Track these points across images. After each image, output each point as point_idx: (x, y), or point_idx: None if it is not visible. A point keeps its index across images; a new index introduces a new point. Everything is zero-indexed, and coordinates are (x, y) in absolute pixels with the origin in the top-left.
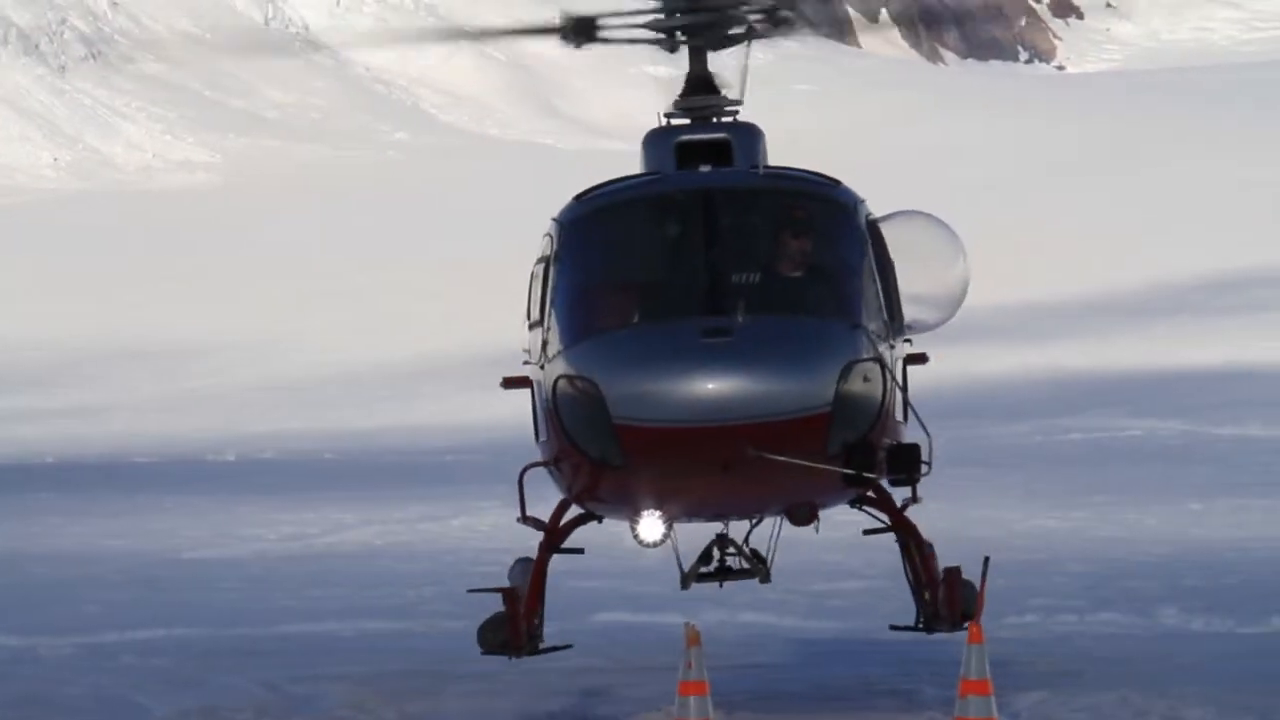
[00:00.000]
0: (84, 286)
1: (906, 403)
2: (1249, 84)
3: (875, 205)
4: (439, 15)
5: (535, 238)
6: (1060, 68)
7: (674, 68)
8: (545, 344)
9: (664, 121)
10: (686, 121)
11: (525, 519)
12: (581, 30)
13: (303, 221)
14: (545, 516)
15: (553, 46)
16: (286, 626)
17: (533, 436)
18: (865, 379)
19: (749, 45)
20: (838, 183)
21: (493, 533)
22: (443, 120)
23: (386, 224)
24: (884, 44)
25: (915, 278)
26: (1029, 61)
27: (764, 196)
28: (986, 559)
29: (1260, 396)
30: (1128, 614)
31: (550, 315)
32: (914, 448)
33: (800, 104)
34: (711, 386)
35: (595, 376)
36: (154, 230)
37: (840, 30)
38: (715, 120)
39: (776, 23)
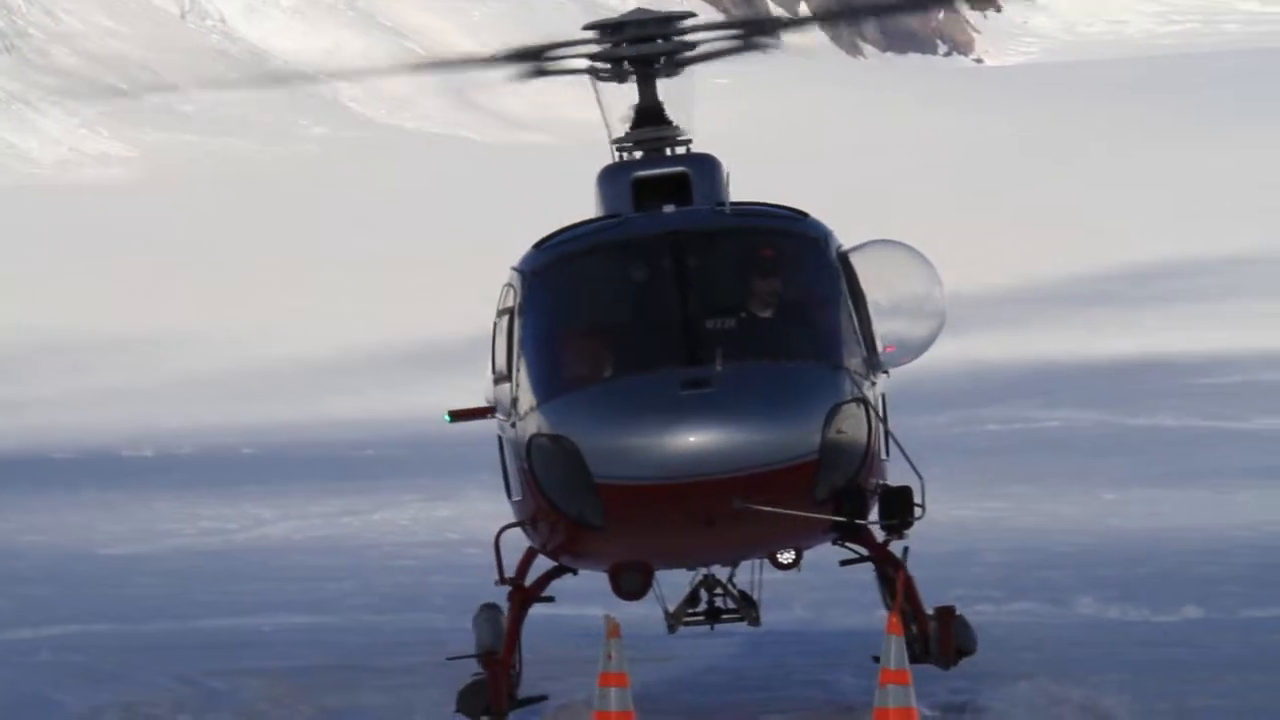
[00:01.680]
0: None
1: (888, 437)
2: (1165, 76)
3: (800, 200)
4: (357, 8)
5: (455, 232)
6: (979, 60)
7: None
8: (515, 400)
9: (616, 155)
10: (639, 155)
11: (504, 581)
12: (526, 62)
13: (220, 216)
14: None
15: (466, 37)
16: (205, 621)
17: (505, 495)
18: (851, 422)
19: (697, 71)
20: (805, 215)
21: (412, 526)
22: (361, 114)
23: (305, 218)
24: (803, 37)
25: (890, 310)
26: (948, 54)
27: (733, 236)
28: (905, 549)
29: (1174, 387)
30: (1044, 603)
31: (519, 370)
32: (906, 491)
33: (720, 98)
34: (695, 440)
35: (573, 434)
36: (70, 225)
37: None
38: (670, 152)
39: (725, 48)
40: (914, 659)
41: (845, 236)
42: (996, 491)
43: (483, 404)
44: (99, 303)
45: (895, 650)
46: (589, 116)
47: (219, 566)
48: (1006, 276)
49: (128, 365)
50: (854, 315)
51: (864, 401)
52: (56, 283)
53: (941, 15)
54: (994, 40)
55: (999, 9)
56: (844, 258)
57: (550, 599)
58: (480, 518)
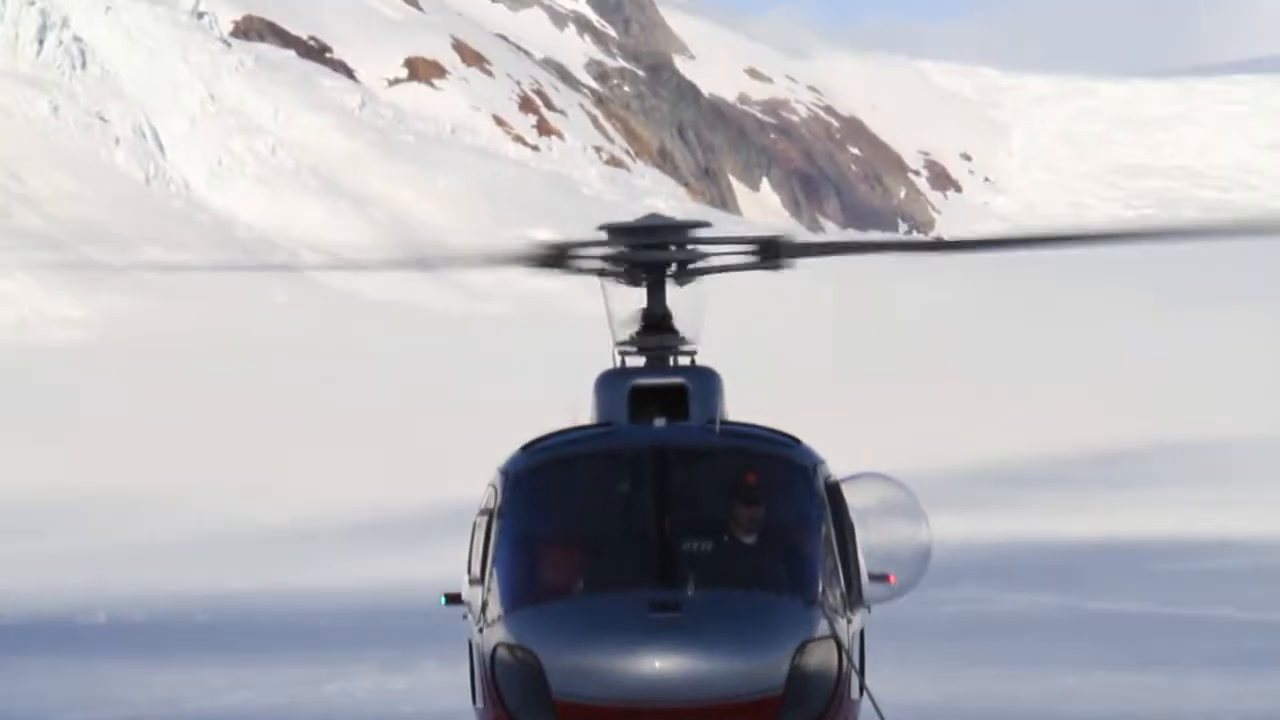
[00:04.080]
0: None
1: (862, 679)
2: (1124, 259)
3: (748, 374)
4: (320, 175)
5: (413, 401)
6: (939, 239)
7: (550, 229)
8: (485, 606)
9: (617, 359)
10: (641, 360)
11: None
12: (549, 260)
13: (180, 381)
14: None
15: (430, 206)
16: None
17: (470, 700)
18: (820, 660)
19: (709, 281)
20: (797, 442)
21: (367, 698)
22: (321, 281)
23: (263, 385)
24: (765, 212)
25: (876, 545)
26: (908, 232)
27: (720, 458)
28: (849, 710)
29: (1134, 570)
30: None
31: (491, 575)
32: None
33: None
34: (658, 665)
35: (535, 648)
36: (29, 386)
37: (722, 199)
38: (672, 361)
39: (739, 263)
40: None
41: (796, 414)
42: (954, 673)
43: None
44: (54, 466)
45: None
46: (546, 287)
47: None
48: (964, 456)
49: (82, 529)
50: (837, 548)
51: (836, 639)
52: (11, 444)
53: (903, 194)
54: (955, 219)
55: (959, 190)
56: (834, 488)
57: None
58: (436, 690)
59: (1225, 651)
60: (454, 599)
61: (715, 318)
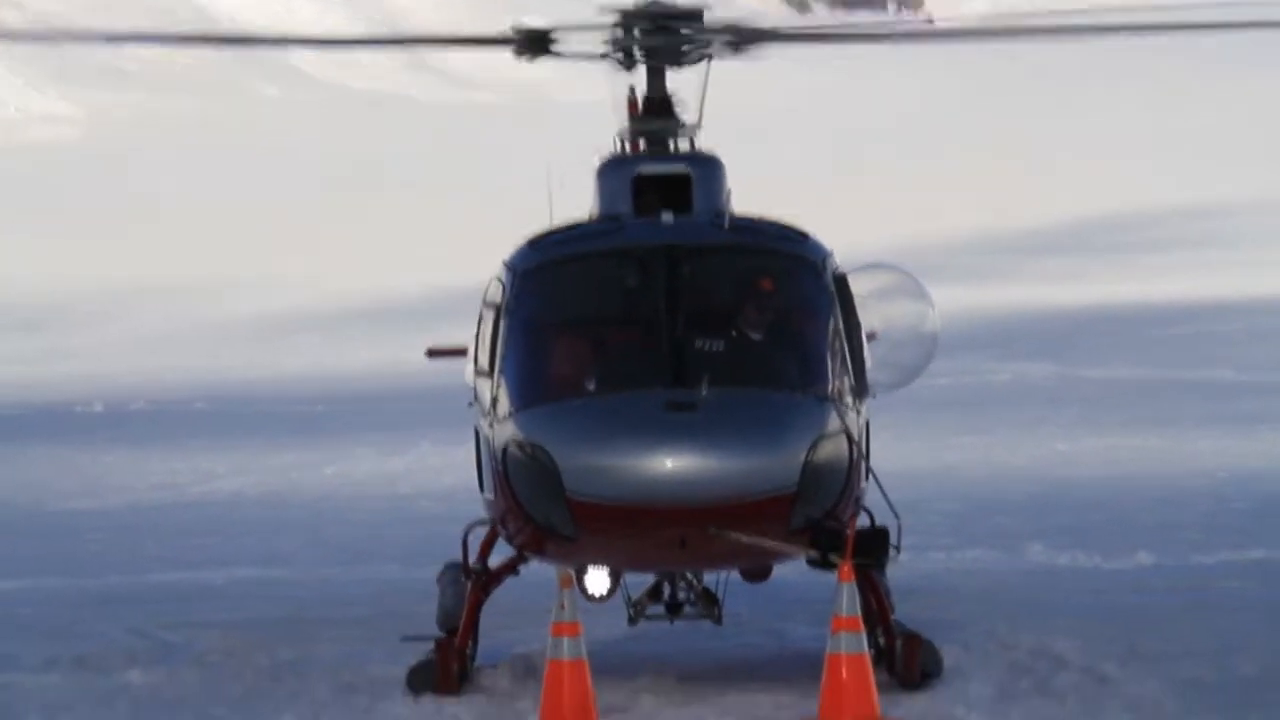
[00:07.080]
0: None
1: (868, 465)
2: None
3: (752, 163)
4: None
5: (404, 191)
6: (929, 20)
7: (540, 15)
8: (495, 401)
9: (618, 146)
10: (643, 146)
11: (469, 574)
12: (534, 44)
13: (168, 175)
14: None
15: (427, 5)
16: (157, 575)
17: (476, 486)
18: (832, 456)
19: (709, 66)
20: (806, 236)
21: (365, 480)
22: (310, 73)
23: (253, 177)
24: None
25: (884, 334)
26: (897, 11)
27: (731, 255)
28: (857, 501)
29: (1127, 338)
30: (995, 551)
31: (501, 370)
32: (883, 533)
33: None
34: (672, 465)
35: (550, 447)
36: (17, 184)
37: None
38: (673, 147)
39: (739, 43)
40: (878, 666)
41: (796, 198)
42: (949, 443)
43: (461, 344)
44: (48, 260)
45: (847, 597)
46: (535, 75)
47: (170, 521)
48: (957, 230)
49: (78, 322)
50: (846, 341)
51: (847, 434)
52: (5, 240)
53: None
54: None
55: None
56: (841, 281)
57: (515, 572)
58: (432, 472)
59: (1221, 413)
60: (437, 353)
61: (714, 92)
